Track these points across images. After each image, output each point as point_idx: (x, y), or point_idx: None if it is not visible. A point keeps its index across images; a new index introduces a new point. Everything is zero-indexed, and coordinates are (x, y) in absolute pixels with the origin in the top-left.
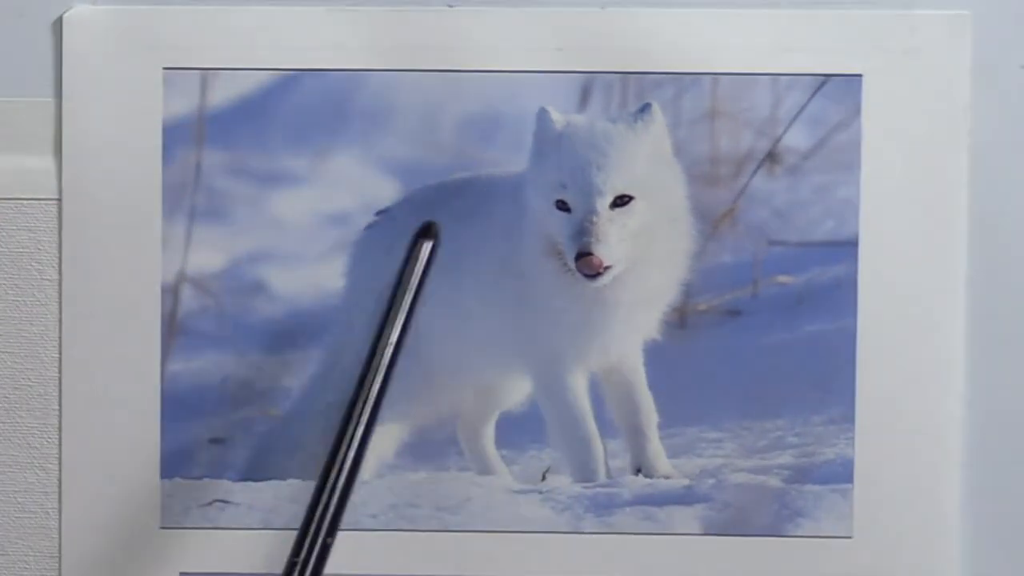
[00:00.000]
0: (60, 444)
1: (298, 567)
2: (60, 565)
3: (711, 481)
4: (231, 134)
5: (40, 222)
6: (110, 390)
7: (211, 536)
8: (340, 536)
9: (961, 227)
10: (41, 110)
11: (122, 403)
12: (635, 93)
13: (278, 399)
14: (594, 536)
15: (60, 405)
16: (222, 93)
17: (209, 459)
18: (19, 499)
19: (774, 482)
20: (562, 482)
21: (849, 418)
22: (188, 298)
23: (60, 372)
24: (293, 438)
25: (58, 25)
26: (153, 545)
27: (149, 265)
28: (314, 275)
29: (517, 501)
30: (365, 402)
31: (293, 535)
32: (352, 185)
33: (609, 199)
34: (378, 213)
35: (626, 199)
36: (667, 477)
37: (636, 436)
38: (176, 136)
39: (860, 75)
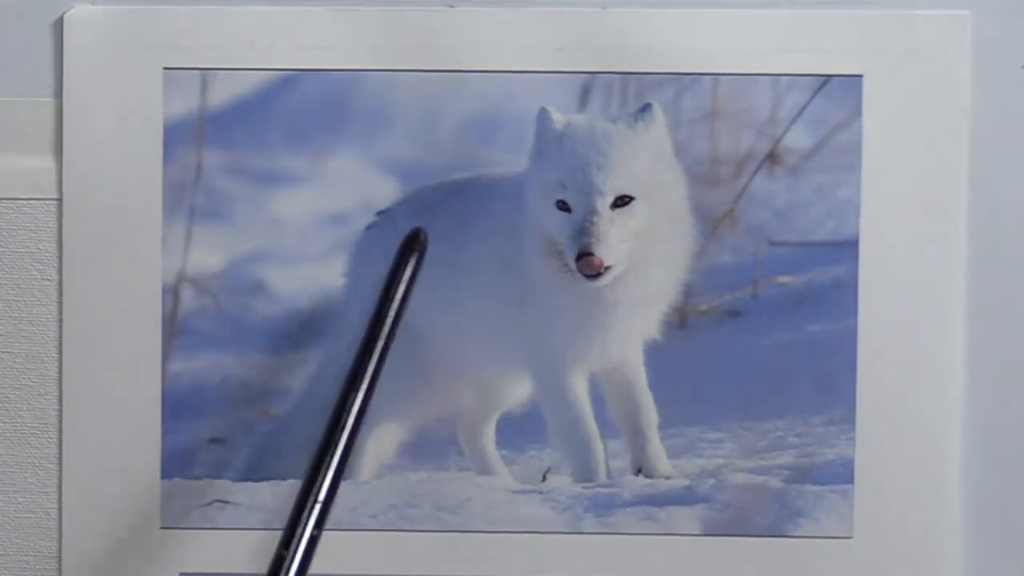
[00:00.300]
0: (60, 444)
1: (287, 561)
2: (60, 565)
3: (711, 481)
4: (231, 134)
5: (40, 222)
6: (110, 390)
7: (211, 536)
8: (340, 536)
9: (961, 227)
10: (41, 110)
11: (122, 403)
12: (635, 93)
13: (278, 399)
14: (594, 536)
15: (60, 405)
16: (222, 93)
17: (209, 459)
18: (19, 499)
19: (774, 482)
20: (562, 482)
21: (849, 418)
22: (188, 298)
23: (60, 372)
24: (293, 438)
25: (58, 25)
26: (153, 545)
27: (149, 265)
28: (314, 275)
29: (517, 501)
30: (353, 401)
31: None
32: (352, 185)
33: (609, 199)
34: (378, 213)
35: (626, 199)
36: (667, 477)
37: (636, 436)
38: (176, 136)
39: (860, 75)
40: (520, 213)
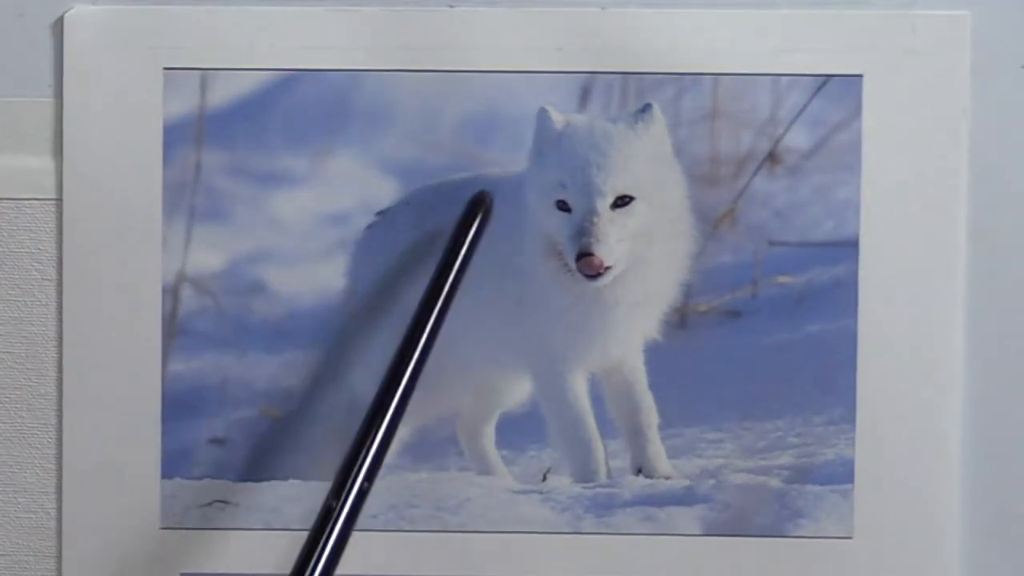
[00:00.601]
0: (60, 444)
1: (335, 511)
2: (60, 565)
3: (711, 481)
4: (231, 134)
5: (40, 222)
6: (110, 390)
7: (211, 536)
8: None
9: (961, 227)
10: (41, 110)
11: (122, 403)
12: (635, 93)
13: (278, 399)
14: (594, 536)
15: (60, 405)
16: (222, 93)
17: (209, 459)
18: (19, 499)
19: (774, 482)
20: (562, 482)
21: (849, 418)
22: (188, 298)
23: (60, 372)
24: (293, 438)
25: (58, 25)
26: (153, 545)
27: (149, 265)
28: (314, 275)
29: (517, 501)
30: (412, 352)
31: (294, 535)
32: (352, 185)
33: (609, 199)
34: (378, 213)
35: (626, 199)
36: (667, 477)
37: (636, 436)
38: (176, 136)
39: (860, 75)
40: (520, 213)
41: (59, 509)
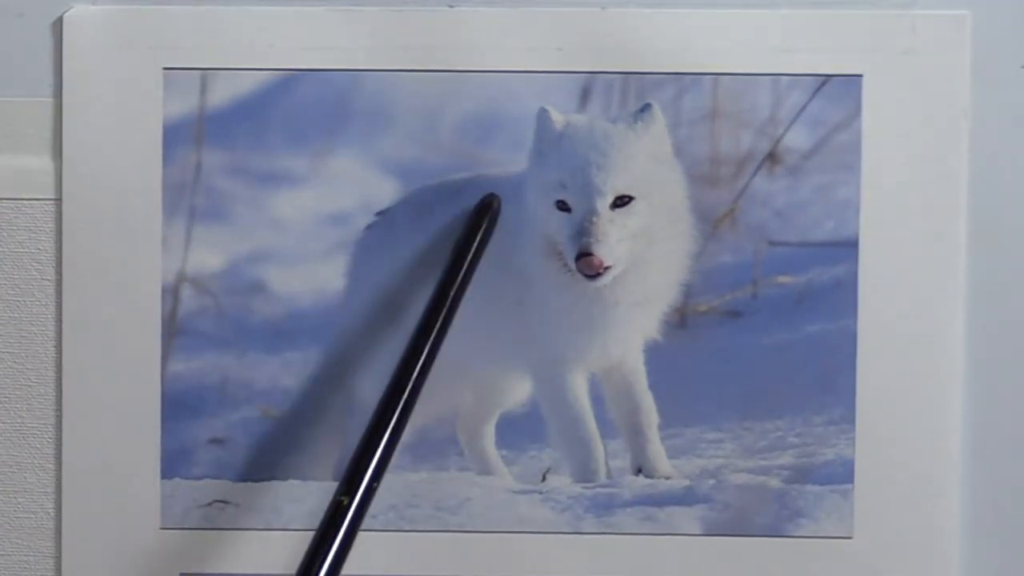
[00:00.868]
0: (60, 444)
1: (347, 507)
2: (60, 565)
3: (711, 481)
4: (231, 134)
5: (39, 222)
6: (110, 390)
7: (211, 536)
8: None
9: (961, 227)
10: (41, 110)
11: (122, 403)
12: (635, 93)
13: (278, 399)
14: (594, 536)
15: (60, 405)
16: (222, 93)
17: (209, 459)
18: (19, 499)
19: (774, 482)
20: (562, 482)
21: (849, 418)
22: (188, 298)
23: (60, 372)
24: (293, 438)
25: (58, 25)
26: (153, 545)
27: (149, 265)
28: (314, 275)
29: (517, 501)
30: (422, 349)
31: (293, 535)
32: (352, 185)
33: (609, 199)
34: (378, 213)
35: (626, 199)
36: (667, 477)
37: (636, 436)
38: (176, 136)
39: (860, 75)
40: (520, 213)
41: (58, 509)
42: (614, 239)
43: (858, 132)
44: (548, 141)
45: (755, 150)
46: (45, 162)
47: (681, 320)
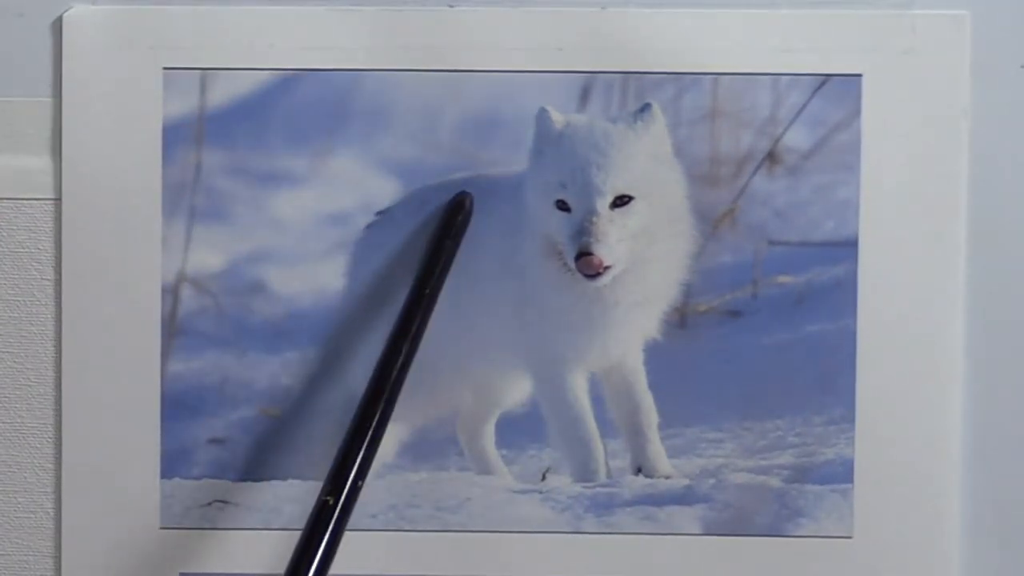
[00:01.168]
0: (60, 444)
1: (332, 507)
2: (59, 565)
3: (711, 481)
4: (231, 134)
5: (39, 222)
6: (110, 390)
7: (211, 536)
8: None
9: (961, 227)
10: (41, 110)
11: (122, 403)
12: (635, 93)
13: (278, 399)
14: (594, 536)
15: (60, 405)
16: (222, 93)
17: (209, 459)
18: (19, 499)
19: (774, 482)
20: (562, 482)
21: (849, 418)
22: (188, 298)
23: (60, 372)
24: (293, 438)
25: (58, 25)
26: (153, 545)
27: (149, 265)
28: (314, 275)
29: (517, 501)
30: (399, 350)
31: (293, 535)
32: (352, 185)
33: (609, 199)
34: (378, 213)
35: (626, 199)
36: (667, 477)
37: (636, 436)
38: (176, 136)
39: (860, 75)
40: (520, 213)
41: (58, 509)
42: (614, 239)
43: (858, 132)
44: (548, 141)
45: (755, 150)
46: (45, 162)
47: (681, 320)
